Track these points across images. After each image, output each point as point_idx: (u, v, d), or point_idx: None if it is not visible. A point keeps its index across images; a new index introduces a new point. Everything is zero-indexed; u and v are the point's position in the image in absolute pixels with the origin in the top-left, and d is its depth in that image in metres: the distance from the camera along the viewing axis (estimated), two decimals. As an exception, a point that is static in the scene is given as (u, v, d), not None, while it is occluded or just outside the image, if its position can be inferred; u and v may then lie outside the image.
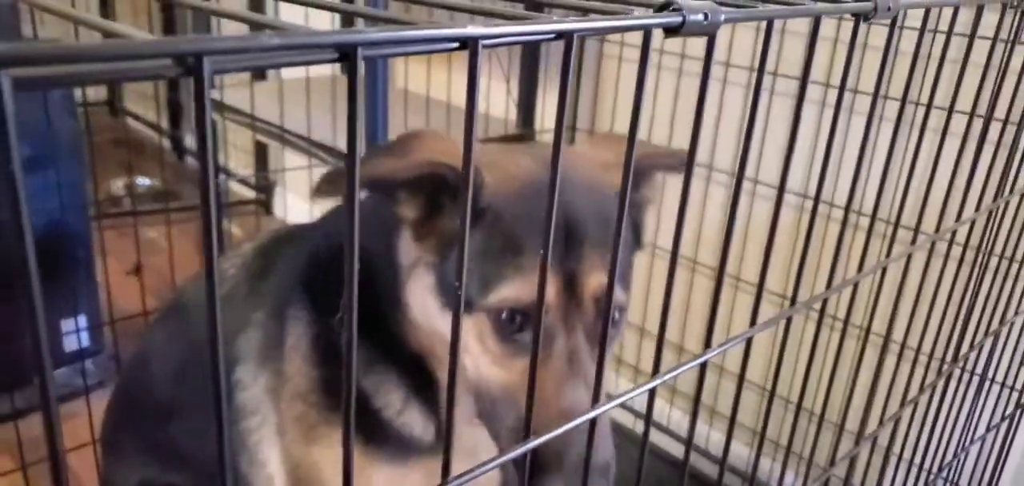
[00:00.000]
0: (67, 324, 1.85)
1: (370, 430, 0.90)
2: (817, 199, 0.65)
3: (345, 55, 0.32)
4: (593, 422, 0.52)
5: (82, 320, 1.88)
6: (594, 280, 0.76)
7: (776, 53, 1.58)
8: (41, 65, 0.26)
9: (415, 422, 0.91)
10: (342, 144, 1.69)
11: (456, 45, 0.36)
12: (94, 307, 1.94)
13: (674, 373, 0.57)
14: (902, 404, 0.95)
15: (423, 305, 0.84)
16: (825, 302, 0.71)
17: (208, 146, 0.30)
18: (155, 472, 1.14)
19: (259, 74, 2.68)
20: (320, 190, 0.72)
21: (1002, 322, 1.16)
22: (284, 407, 0.95)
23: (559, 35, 0.40)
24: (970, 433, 1.21)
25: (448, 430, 0.44)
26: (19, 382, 1.77)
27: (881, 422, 0.92)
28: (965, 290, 1.04)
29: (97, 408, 1.42)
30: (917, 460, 1.15)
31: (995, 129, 0.93)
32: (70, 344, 1.87)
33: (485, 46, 0.36)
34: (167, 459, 1.12)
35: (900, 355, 0.96)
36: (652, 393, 0.56)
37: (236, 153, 3.10)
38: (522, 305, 0.75)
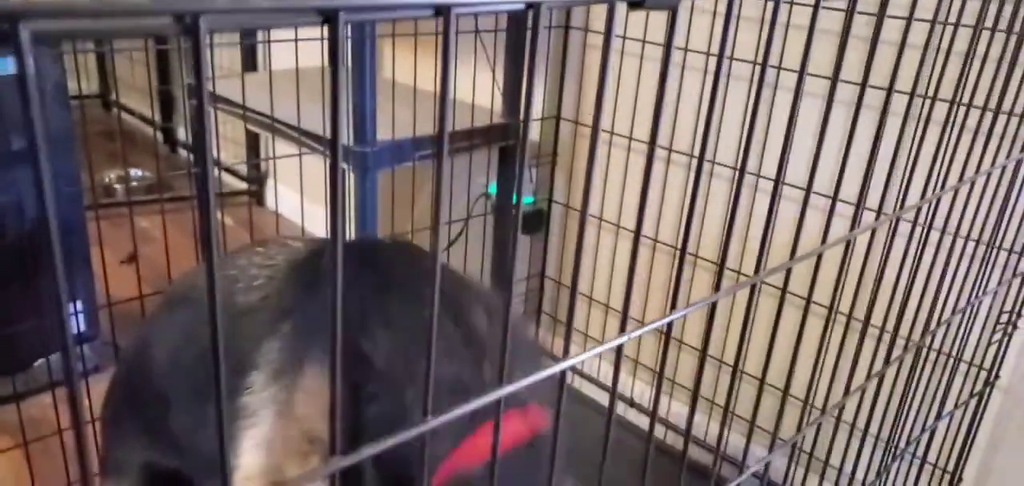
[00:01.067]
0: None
1: None
2: (779, 180, 0.69)
3: (327, 18, 0.36)
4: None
5: (78, 306, 1.92)
6: None
7: (733, 37, 1.63)
8: (55, 19, 0.30)
9: None
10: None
11: (431, 12, 0.39)
12: (89, 294, 1.98)
13: (638, 333, 0.61)
14: (867, 377, 0.99)
15: None
16: (788, 274, 0.75)
17: (206, 98, 0.34)
18: (157, 456, 1.17)
19: (250, 66, 2.71)
20: None
21: (969, 302, 1.21)
22: (281, 424, 0.97)
23: (528, 6, 0.43)
24: (938, 410, 1.25)
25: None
26: (19, 366, 1.81)
27: (846, 393, 0.96)
28: (930, 269, 1.08)
29: (94, 392, 1.45)
30: (884, 435, 1.19)
31: (960, 113, 0.98)
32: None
33: (458, 14, 0.40)
34: (167, 446, 1.15)
35: (864, 332, 1.00)
36: (619, 350, 0.60)
37: (228, 145, 3.13)
38: None
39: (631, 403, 1.99)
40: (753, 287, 0.66)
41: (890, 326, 1.04)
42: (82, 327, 1.95)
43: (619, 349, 0.61)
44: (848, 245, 0.77)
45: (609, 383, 2.00)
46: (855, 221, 0.78)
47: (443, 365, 0.86)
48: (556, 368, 0.56)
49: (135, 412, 1.19)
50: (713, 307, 0.67)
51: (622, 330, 0.62)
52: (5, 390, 1.75)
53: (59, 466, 1.40)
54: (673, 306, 0.66)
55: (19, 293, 1.80)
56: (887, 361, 1.03)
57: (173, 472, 1.16)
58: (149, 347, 1.18)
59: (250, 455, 1.00)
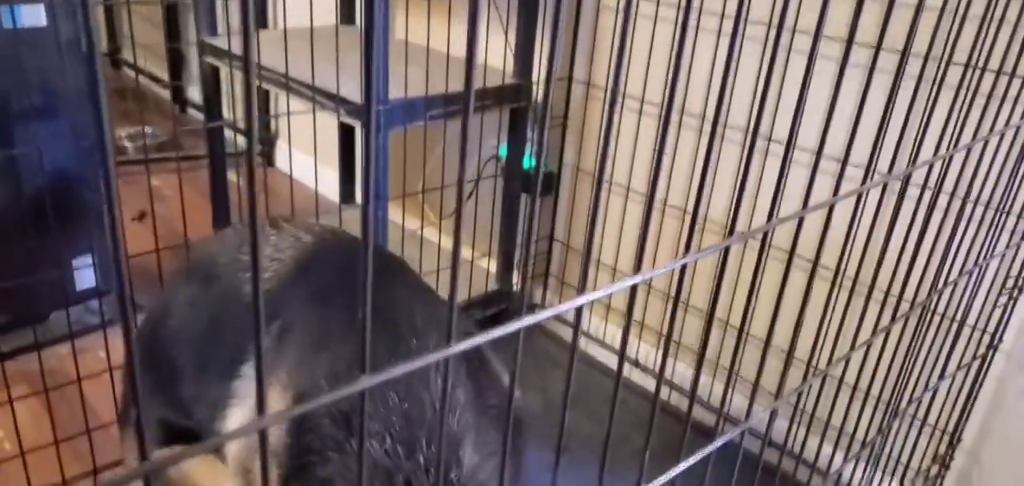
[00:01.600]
0: (79, 262, 1.91)
1: None
2: (791, 142, 0.70)
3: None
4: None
5: (93, 259, 1.94)
6: None
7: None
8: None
9: None
10: (345, 91, 1.72)
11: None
12: (103, 249, 2.00)
13: (653, 274, 0.63)
14: (873, 332, 1.01)
15: None
16: (797, 237, 0.76)
17: (252, 68, 0.35)
18: (171, 415, 1.21)
19: (261, 23, 2.70)
20: None
21: (976, 264, 1.22)
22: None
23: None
24: (941, 371, 1.27)
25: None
26: (37, 317, 1.84)
27: (852, 347, 0.98)
28: (938, 232, 1.09)
29: (111, 344, 1.49)
30: (886, 396, 1.21)
31: (957, 74, 0.98)
32: (82, 282, 1.93)
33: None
34: (178, 409, 1.19)
35: (870, 292, 1.02)
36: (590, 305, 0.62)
37: (237, 104, 3.13)
38: None
39: (635, 364, 2.02)
40: (764, 239, 0.68)
41: (896, 288, 1.06)
42: (96, 282, 1.99)
43: (633, 289, 0.63)
44: (859, 198, 0.79)
45: (615, 345, 2.03)
46: (866, 179, 0.80)
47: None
48: (574, 303, 0.58)
49: (151, 373, 1.22)
50: (723, 262, 0.69)
51: (637, 269, 0.63)
52: (25, 340, 1.79)
53: (78, 414, 1.44)
54: (688, 248, 0.67)
55: (36, 245, 1.83)
56: (893, 319, 1.05)
57: (187, 429, 1.19)
58: (166, 316, 1.21)
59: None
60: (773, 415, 0.83)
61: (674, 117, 1.82)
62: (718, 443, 0.77)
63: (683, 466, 0.70)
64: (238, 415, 1.04)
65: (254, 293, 0.33)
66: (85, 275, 1.94)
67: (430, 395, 0.89)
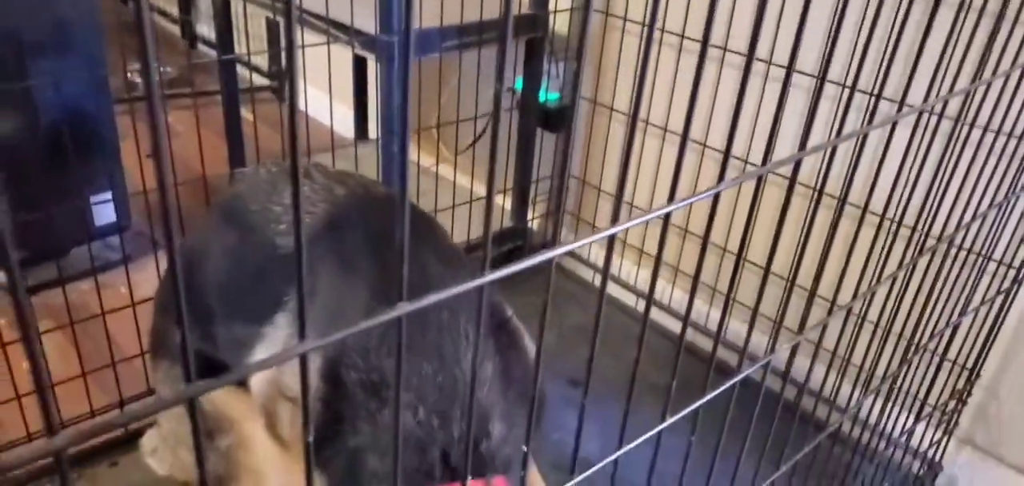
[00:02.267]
0: (97, 198, 1.92)
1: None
2: (823, 76, 0.68)
3: None
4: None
5: (110, 196, 1.95)
6: None
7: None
8: None
9: None
10: (359, 22, 1.69)
11: None
12: (121, 185, 2.01)
13: (686, 202, 0.62)
14: (899, 266, 1.00)
15: None
16: (827, 172, 0.75)
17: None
18: (209, 349, 1.22)
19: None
20: None
21: (1006, 198, 1.20)
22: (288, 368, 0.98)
23: None
24: (963, 307, 1.26)
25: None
26: (58, 252, 1.86)
27: (879, 280, 0.97)
28: (969, 166, 1.07)
29: (131, 279, 1.50)
30: (907, 333, 1.21)
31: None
32: (101, 218, 1.94)
33: None
34: (211, 344, 1.20)
35: (896, 232, 1.00)
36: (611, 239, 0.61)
37: (249, 40, 3.09)
38: None
39: (654, 301, 2.01)
40: (797, 168, 0.67)
41: (916, 224, 1.04)
42: (114, 218, 1.99)
43: (667, 217, 0.62)
44: (894, 128, 0.77)
45: (631, 281, 2.02)
46: (899, 111, 0.78)
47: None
48: (605, 233, 0.57)
49: (188, 304, 1.23)
50: (757, 191, 0.67)
51: (671, 199, 0.62)
52: (47, 275, 1.81)
53: (102, 347, 1.46)
54: (721, 177, 0.66)
55: (54, 180, 1.83)
56: (919, 252, 1.03)
57: (222, 363, 1.21)
58: (199, 255, 1.21)
59: (259, 382, 1.04)
60: (794, 350, 0.83)
61: (693, 46, 1.78)
62: (739, 377, 0.77)
63: (710, 395, 0.70)
64: (266, 353, 1.05)
65: (297, 237, 0.32)
66: (104, 211, 1.95)
67: (462, 370, 0.90)
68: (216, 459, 1.24)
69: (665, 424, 0.68)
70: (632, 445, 0.65)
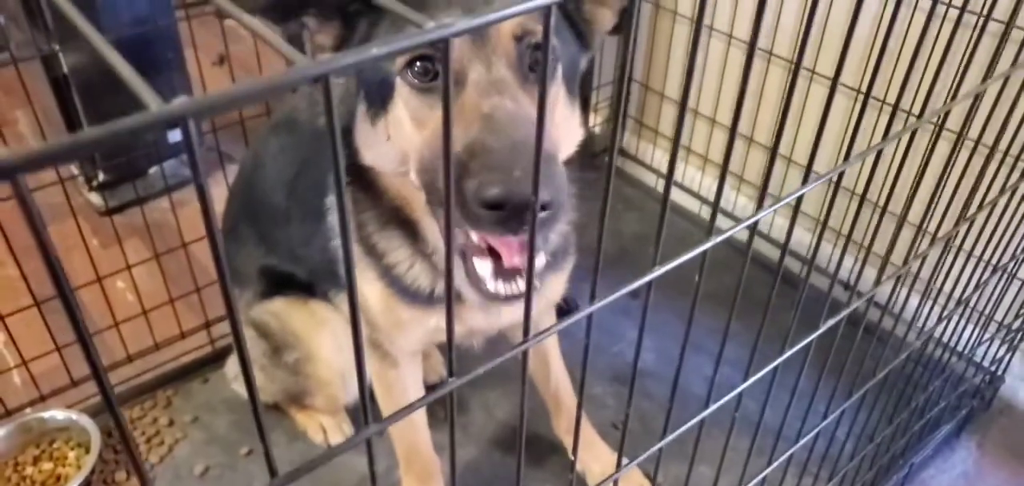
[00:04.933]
0: (168, 118, 1.95)
1: (391, 281, 0.99)
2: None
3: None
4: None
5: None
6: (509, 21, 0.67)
7: None
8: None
9: (421, 277, 0.99)
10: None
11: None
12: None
13: (814, 184, 0.61)
14: (1001, 192, 0.98)
15: (365, 137, 0.85)
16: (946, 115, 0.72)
17: None
18: (274, 261, 1.27)
19: None
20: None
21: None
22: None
23: None
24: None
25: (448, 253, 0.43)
26: (137, 173, 1.92)
27: (979, 206, 0.95)
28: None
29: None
30: (987, 256, 1.19)
31: None
32: (173, 135, 1.98)
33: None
34: (282, 253, 1.24)
35: (989, 158, 0.97)
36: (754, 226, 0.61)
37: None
38: (424, 51, 0.73)
39: (729, 214, 1.99)
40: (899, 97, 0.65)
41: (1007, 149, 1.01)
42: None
43: (798, 200, 0.61)
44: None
45: (700, 190, 1.99)
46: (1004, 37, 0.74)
47: None
48: (748, 222, 0.58)
49: (251, 223, 1.27)
50: (863, 111, 0.66)
51: (804, 182, 0.61)
52: (128, 195, 1.88)
53: (186, 269, 1.53)
54: (851, 147, 0.64)
55: (126, 101, 1.87)
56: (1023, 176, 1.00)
57: (288, 274, 1.26)
58: (260, 166, 1.24)
59: (366, 283, 1.08)
60: (898, 281, 0.83)
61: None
62: (837, 318, 0.78)
63: (821, 328, 0.71)
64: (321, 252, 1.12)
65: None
66: (174, 131, 1.99)
67: None
68: (285, 375, 1.31)
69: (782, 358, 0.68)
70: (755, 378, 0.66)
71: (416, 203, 0.91)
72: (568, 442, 1.40)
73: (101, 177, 1.92)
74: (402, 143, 0.80)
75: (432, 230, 0.94)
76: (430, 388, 1.40)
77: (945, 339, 1.27)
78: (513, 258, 0.75)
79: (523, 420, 0.51)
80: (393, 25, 0.79)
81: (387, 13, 0.78)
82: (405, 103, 0.78)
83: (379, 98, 0.81)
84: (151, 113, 0.26)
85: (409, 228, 0.96)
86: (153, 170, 1.94)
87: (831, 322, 0.76)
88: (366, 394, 0.41)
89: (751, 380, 0.69)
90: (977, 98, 0.80)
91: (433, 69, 0.76)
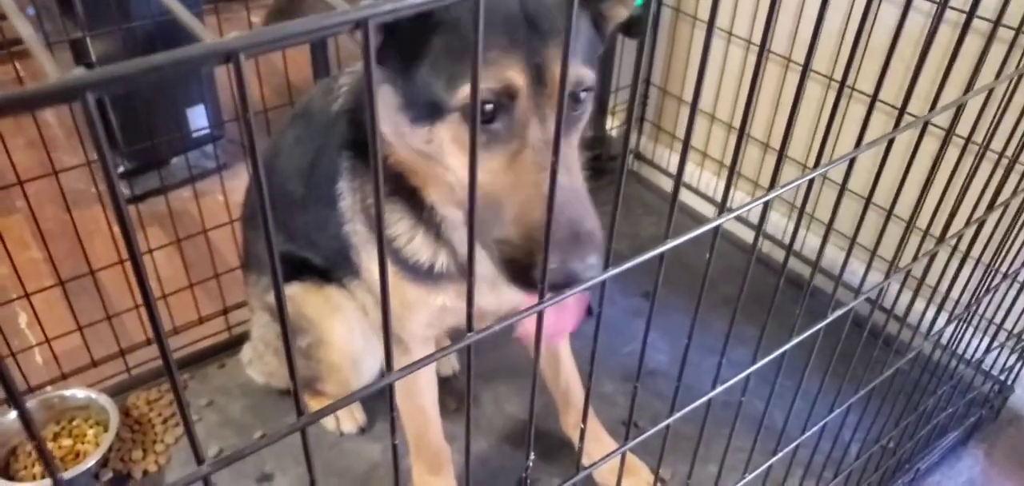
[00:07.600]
0: (192, 112, 2.00)
1: (393, 257, 1.00)
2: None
3: None
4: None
5: (204, 109, 2.03)
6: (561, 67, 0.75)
7: None
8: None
9: (421, 251, 1.00)
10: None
11: None
12: (213, 95, 2.08)
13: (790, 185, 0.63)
14: (1013, 194, 0.99)
15: (393, 125, 0.86)
16: (956, 115, 0.74)
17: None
18: (292, 247, 1.30)
19: None
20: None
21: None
22: (359, 224, 1.07)
23: None
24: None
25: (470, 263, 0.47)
26: (159, 162, 1.96)
27: (990, 207, 0.96)
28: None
29: (226, 187, 1.58)
30: (995, 263, 1.20)
31: None
32: (196, 127, 2.03)
33: None
34: (299, 239, 1.27)
35: (997, 163, 0.98)
36: (766, 206, 0.63)
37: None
38: (491, 93, 0.74)
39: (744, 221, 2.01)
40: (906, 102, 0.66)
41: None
42: (207, 127, 2.08)
43: (804, 204, 0.64)
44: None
45: (706, 190, 2.00)
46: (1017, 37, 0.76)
47: None
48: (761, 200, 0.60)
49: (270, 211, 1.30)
50: (869, 113, 0.68)
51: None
52: (151, 183, 1.92)
53: (206, 256, 1.56)
54: (859, 143, 0.66)
55: (152, 94, 1.91)
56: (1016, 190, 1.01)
57: (305, 260, 1.29)
58: (278, 155, 1.27)
59: (359, 253, 1.12)
60: (904, 281, 0.84)
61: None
62: (842, 310, 0.79)
63: (812, 329, 0.73)
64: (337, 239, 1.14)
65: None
66: (198, 120, 2.03)
67: None
68: (297, 359, 1.33)
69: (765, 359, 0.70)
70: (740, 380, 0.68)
71: (420, 170, 0.93)
72: (576, 438, 1.41)
73: (125, 165, 1.97)
74: (442, 157, 0.82)
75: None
76: (442, 382, 1.43)
77: (954, 346, 1.28)
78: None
79: (534, 383, 0.53)
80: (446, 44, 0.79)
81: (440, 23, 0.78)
82: (454, 138, 0.79)
83: (426, 113, 0.81)
84: (205, 45, 0.29)
85: (412, 197, 0.98)
86: (176, 160, 1.98)
87: (838, 313, 0.77)
88: (391, 340, 0.44)
89: (759, 364, 0.71)
90: (987, 96, 0.81)
91: (492, 114, 0.76)
